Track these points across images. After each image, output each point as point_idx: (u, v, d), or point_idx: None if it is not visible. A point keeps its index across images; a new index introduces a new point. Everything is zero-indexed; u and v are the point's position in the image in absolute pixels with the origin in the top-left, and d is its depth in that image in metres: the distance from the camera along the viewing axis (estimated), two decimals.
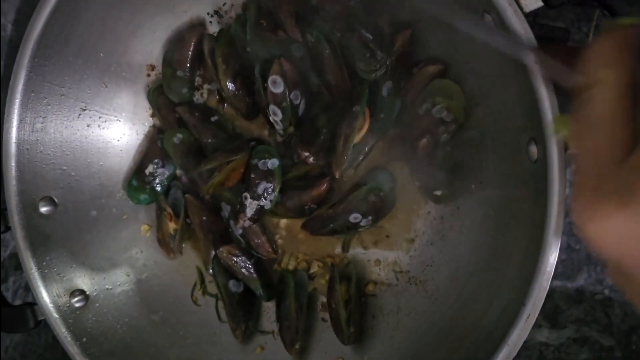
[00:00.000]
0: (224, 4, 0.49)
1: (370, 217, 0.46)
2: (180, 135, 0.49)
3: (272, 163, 0.46)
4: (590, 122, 0.22)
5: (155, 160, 0.50)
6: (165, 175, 0.50)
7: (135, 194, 0.50)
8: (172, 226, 0.50)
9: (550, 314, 0.53)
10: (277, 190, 0.46)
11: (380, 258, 0.48)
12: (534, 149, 0.35)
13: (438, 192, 0.45)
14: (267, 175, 0.46)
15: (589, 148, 0.22)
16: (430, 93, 0.44)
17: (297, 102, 0.45)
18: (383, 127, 0.46)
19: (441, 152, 0.44)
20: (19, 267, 0.48)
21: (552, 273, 0.33)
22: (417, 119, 0.44)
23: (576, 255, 0.52)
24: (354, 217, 0.46)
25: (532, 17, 0.48)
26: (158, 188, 0.50)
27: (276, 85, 0.44)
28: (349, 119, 0.44)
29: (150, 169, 0.50)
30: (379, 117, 0.45)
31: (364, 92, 0.44)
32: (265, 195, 0.46)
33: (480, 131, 0.42)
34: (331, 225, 0.47)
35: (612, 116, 0.22)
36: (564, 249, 0.52)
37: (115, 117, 0.50)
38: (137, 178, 0.50)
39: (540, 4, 0.34)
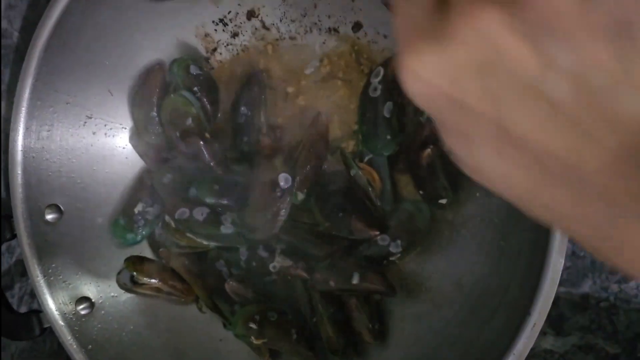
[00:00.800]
0: (229, 12, 0.49)
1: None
2: (169, 175, 0.49)
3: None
4: None
5: (145, 199, 0.49)
6: (155, 215, 0.49)
7: (122, 233, 0.49)
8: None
9: (555, 321, 0.53)
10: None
11: None
12: None
13: (443, 201, 0.45)
14: None
15: None
16: None
17: None
18: (390, 147, 0.46)
19: (445, 160, 0.44)
20: (24, 273, 0.48)
21: (558, 281, 0.33)
22: (419, 128, 0.44)
23: (581, 262, 0.52)
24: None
25: None
26: (146, 229, 0.49)
27: None
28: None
29: (139, 207, 0.49)
30: (385, 138, 0.46)
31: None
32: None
33: None
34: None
35: None
36: (569, 256, 0.52)
37: (121, 124, 0.50)
38: (125, 216, 0.49)
39: None
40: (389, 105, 0.45)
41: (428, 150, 0.44)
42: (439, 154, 0.44)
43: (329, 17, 0.47)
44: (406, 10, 0.19)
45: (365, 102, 0.47)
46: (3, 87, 0.47)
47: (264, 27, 0.49)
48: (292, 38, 0.49)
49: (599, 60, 0.15)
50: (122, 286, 0.48)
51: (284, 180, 0.44)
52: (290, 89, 0.49)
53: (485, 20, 0.16)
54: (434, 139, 0.44)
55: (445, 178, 0.44)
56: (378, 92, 0.46)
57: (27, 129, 0.45)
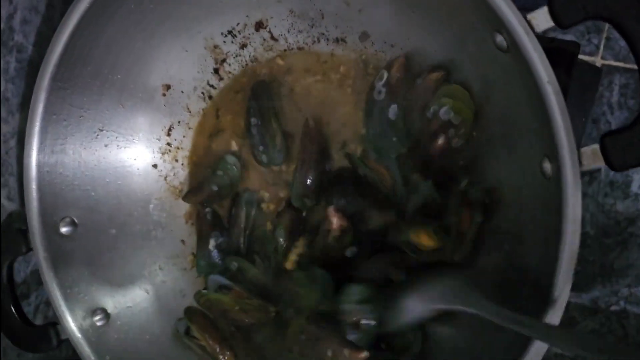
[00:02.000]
0: (238, 24, 0.49)
1: None
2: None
3: None
4: None
5: (214, 233, 0.51)
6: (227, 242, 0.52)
7: (209, 271, 0.51)
8: None
9: (565, 326, 0.53)
10: None
11: None
12: (547, 167, 0.35)
13: (462, 184, 0.45)
14: None
15: None
16: (437, 97, 0.44)
17: None
18: (397, 148, 0.46)
19: (457, 148, 0.44)
20: (40, 282, 0.48)
21: (570, 290, 0.34)
22: (426, 124, 0.45)
23: (590, 266, 0.52)
24: None
25: (541, 31, 0.48)
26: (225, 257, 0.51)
27: None
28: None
29: (212, 243, 0.51)
30: (392, 140, 0.46)
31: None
32: None
33: (491, 141, 0.43)
34: None
35: None
36: (578, 260, 0.52)
37: (132, 137, 0.51)
38: (202, 258, 0.52)
39: (552, 24, 0.34)
40: (393, 107, 0.46)
41: (439, 141, 0.44)
42: (450, 143, 0.44)
43: (336, 27, 0.48)
44: None
45: (371, 106, 0.47)
46: (19, 100, 0.48)
47: (272, 38, 0.50)
48: (300, 48, 0.50)
49: None
50: (174, 334, 0.50)
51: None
52: (298, 97, 0.50)
53: None
54: (444, 129, 0.44)
55: (461, 162, 0.44)
56: (382, 95, 0.46)
57: (42, 143, 0.45)
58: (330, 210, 0.45)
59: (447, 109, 0.43)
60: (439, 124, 0.44)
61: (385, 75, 0.46)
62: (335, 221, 0.45)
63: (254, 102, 0.50)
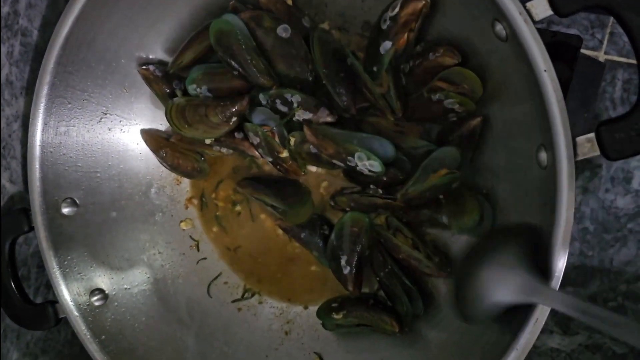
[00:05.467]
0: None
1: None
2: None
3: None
4: None
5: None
6: None
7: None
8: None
9: (562, 321, 0.53)
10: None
11: None
12: (543, 156, 0.35)
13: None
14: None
15: None
16: (447, 79, 0.43)
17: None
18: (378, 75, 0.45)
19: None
20: (41, 265, 0.49)
21: (561, 278, 0.34)
22: (428, 102, 0.44)
23: (589, 261, 0.52)
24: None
25: (545, 24, 0.48)
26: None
27: None
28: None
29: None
30: (372, 70, 0.45)
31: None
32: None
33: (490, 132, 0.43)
34: None
35: None
36: (577, 256, 0.52)
37: (135, 121, 0.51)
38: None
39: (550, 12, 0.34)
40: (386, 44, 0.44)
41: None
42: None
43: (340, 16, 0.48)
44: None
45: (373, 33, 0.46)
46: (23, 84, 0.49)
47: None
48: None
49: None
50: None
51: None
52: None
53: None
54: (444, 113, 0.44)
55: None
56: (385, 25, 0.44)
57: (46, 124, 0.46)
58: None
59: (453, 102, 0.43)
60: (441, 109, 0.44)
61: (398, 9, 0.43)
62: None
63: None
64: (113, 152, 0.51)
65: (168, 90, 0.50)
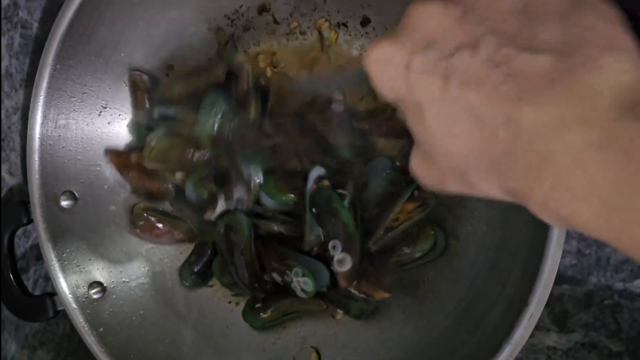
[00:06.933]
0: (241, 6, 0.50)
1: None
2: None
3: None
4: None
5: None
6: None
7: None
8: None
9: (558, 318, 0.53)
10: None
11: None
12: None
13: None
14: None
15: None
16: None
17: None
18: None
19: None
20: (39, 257, 0.49)
21: (556, 272, 0.34)
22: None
23: (586, 259, 0.52)
24: None
25: None
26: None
27: None
28: None
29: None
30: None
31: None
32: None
33: None
34: None
35: None
36: (574, 254, 0.52)
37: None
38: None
39: None
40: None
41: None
42: None
43: (339, 11, 0.48)
44: None
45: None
46: (22, 76, 0.49)
47: (275, 21, 0.50)
48: (302, 33, 0.50)
49: (508, 24, 0.21)
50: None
51: None
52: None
53: (430, 8, 0.23)
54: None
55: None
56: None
57: (45, 117, 0.46)
58: None
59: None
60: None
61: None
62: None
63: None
64: (112, 146, 0.51)
65: (148, 106, 0.50)
